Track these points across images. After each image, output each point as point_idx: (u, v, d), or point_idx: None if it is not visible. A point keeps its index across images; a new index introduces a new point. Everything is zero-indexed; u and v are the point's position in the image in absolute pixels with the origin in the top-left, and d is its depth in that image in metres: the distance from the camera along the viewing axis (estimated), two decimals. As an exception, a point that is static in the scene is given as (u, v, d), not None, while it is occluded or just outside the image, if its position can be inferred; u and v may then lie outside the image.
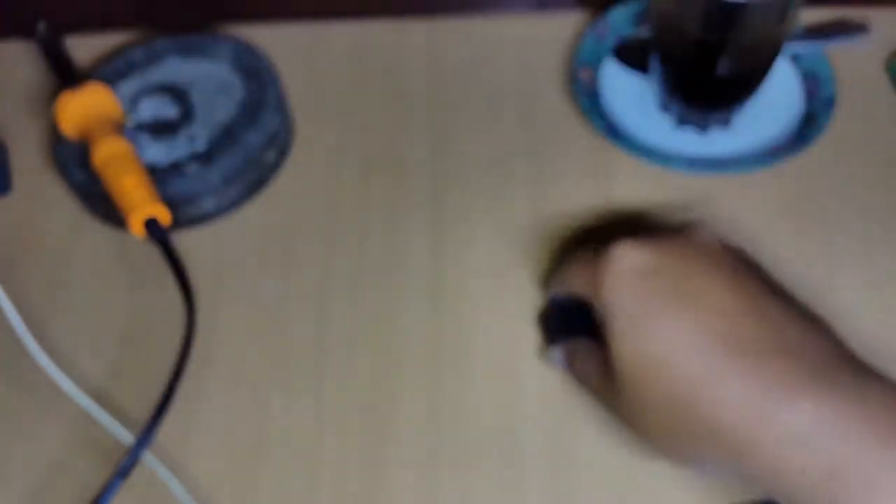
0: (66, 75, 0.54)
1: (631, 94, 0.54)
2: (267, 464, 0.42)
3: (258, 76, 0.53)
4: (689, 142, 0.51)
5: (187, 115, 0.52)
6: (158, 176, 0.49)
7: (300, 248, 0.49)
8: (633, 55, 0.55)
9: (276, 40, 0.58)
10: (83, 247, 0.50)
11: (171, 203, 0.48)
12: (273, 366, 0.45)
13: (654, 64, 0.51)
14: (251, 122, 0.51)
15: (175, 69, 0.54)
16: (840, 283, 0.46)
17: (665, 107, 0.52)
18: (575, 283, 0.40)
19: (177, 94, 0.52)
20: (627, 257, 0.37)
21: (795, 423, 0.31)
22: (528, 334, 0.45)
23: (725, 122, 0.51)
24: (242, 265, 0.49)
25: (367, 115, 0.54)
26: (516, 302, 0.46)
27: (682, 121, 0.52)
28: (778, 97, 0.52)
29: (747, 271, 0.37)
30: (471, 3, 0.58)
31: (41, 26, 0.56)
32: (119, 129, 0.49)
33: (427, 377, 0.44)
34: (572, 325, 0.42)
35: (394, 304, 0.47)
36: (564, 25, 0.57)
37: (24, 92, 0.57)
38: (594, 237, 0.48)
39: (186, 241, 0.50)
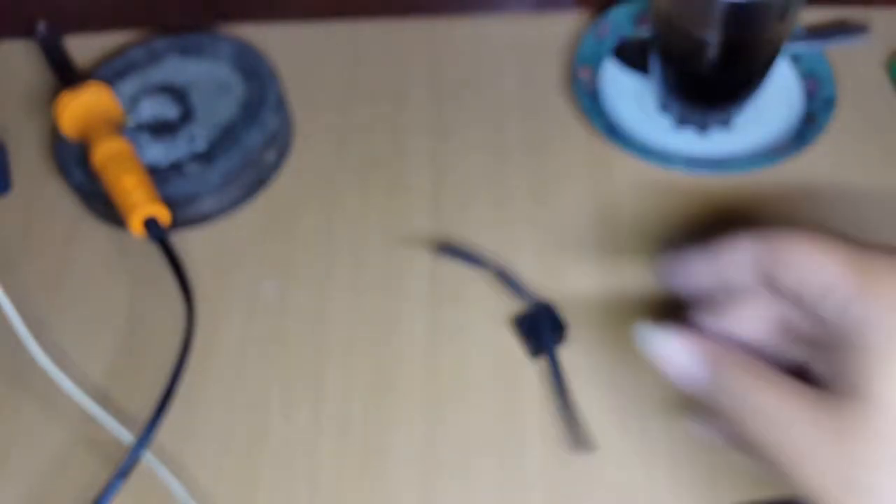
0: (66, 75, 0.54)
1: (631, 94, 0.54)
2: (267, 464, 0.42)
3: (258, 76, 0.53)
4: (689, 142, 0.51)
5: (187, 115, 0.52)
6: (158, 176, 0.49)
7: (300, 248, 0.49)
8: (633, 55, 0.55)
9: (276, 40, 0.58)
10: (83, 247, 0.50)
11: (171, 203, 0.48)
12: (273, 366, 0.45)
13: (654, 64, 0.51)
14: (251, 122, 0.51)
15: (175, 69, 0.54)
16: (840, 283, 0.46)
17: (665, 107, 0.52)
18: (731, 270, 0.31)
19: (177, 94, 0.52)
20: None
21: None
22: (528, 334, 0.45)
23: (725, 122, 0.51)
24: (242, 265, 0.49)
25: (367, 115, 0.54)
26: (516, 300, 0.46)
27: (682, 121, 0.52)
28: (778, 97, 0.52)
29: None
30: (471, 3, 0.58)
31: (41, 26, 0.56)
32: (119, 129, 0.50)
33: (427, 377, 0.44)
34: (545, 330, 0.44)
35: (394, 304, 0.47)
36: (564, 25, 0.57)
37: (24, 92, 0.57)
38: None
39: (186, 241, 0.50)
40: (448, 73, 0.56)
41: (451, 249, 0.44)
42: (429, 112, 0.54)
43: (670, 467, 0.41)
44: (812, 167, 0.50)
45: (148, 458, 0.41)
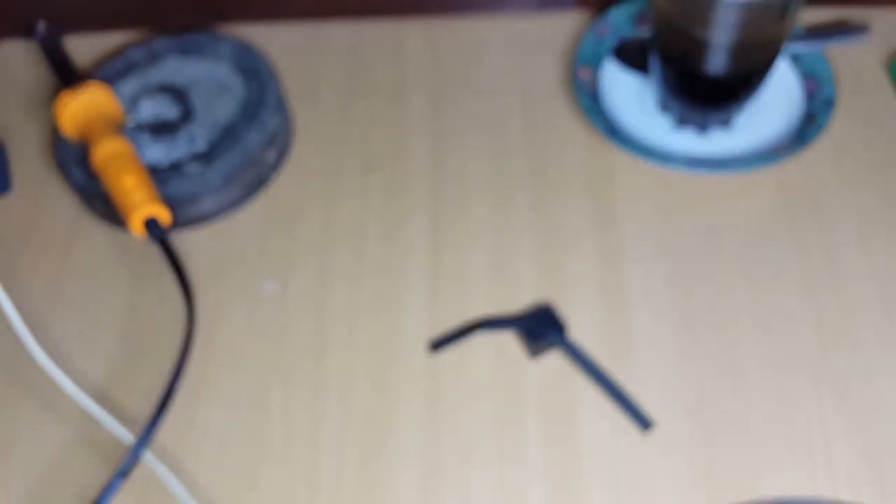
0: (66, 75, 0.54)
1: (631, 94, 0.54)
2: (267, 463, 0.42)
3: (258, 76, 0.53)
4: (689, 142, 0.51)
5: (187, 115, 0.52)
6: (158, 176, 0.49)
7: (300, 248, 0.49)
8: (633, 55, 0.55)
9: (276, 40, 0.58)
10: (83, 246, 0.50)
11: (171, 203, 0.48)
12: (273, 366, 0.45)
13: (654, 64, 0.51)
14: (251, 122, 0.51)
15: (175, 69, 0.54)
16: (840, 282, 0.46)
17: (665, 107, 0.52)
18: None
19: (177, 94, 0.52)
20: None
21: None
22: (528, 334, 0.45)
23: (725, 122, 0.51)
24: (242, 265, 0.49)
25: (367, 114, 0.54)
26: (516, 300, 0.46)
27: (682, 121, 0.52)
28: (778, 97, 0.52)
29: None
30: (471, 3, 0.58)
31: (41, 26, 0.56)
32: (119, 129, 0.50)
33: (427, 377, 0.44)
34: (545, 329, 0.44)
35: (393, 304, 0.47)
36: (564, 25, 0.58)
37: (24, 92, 0.57)
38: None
39: (186, 241, 0.50)
40: (448, 73, 0.56)
41: (443, 341, 0.45)
42: (428, 112, 0.54)
43: (670, 468, 0.41)
44: (812, 167, 0.50)
45: (148, 458, 0.41)
